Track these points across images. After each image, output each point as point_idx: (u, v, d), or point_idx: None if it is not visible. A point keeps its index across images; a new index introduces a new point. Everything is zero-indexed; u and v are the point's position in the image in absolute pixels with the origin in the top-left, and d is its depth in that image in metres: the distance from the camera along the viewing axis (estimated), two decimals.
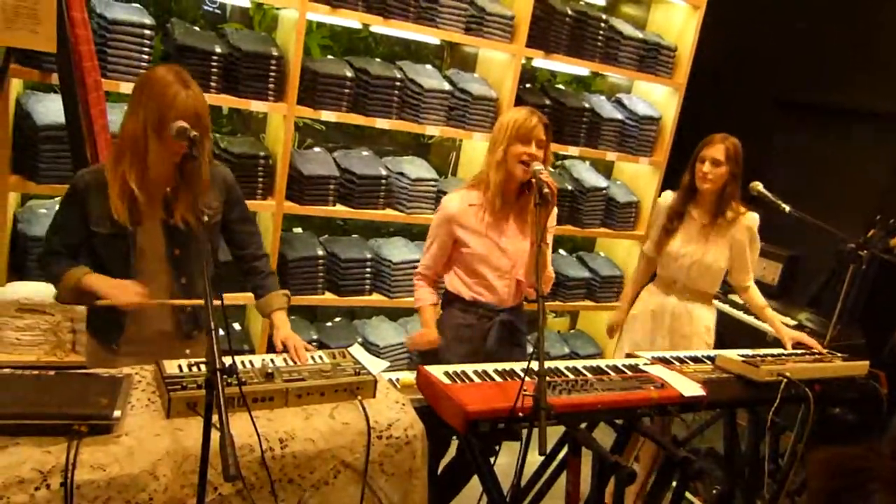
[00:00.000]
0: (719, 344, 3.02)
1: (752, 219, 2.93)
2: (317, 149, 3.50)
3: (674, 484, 2.34)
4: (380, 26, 3.29)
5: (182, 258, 2.01)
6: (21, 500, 1.39)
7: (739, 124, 3.08)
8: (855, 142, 4.48)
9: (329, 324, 3.68)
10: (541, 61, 3.85)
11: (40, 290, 2.76)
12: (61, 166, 2.74)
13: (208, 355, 1.38)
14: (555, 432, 1.98)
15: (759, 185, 2.96)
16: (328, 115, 3.22)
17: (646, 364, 2.42)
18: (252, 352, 3.28)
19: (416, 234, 3.84)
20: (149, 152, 1.88)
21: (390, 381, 2.11)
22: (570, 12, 3.67)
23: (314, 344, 3.44)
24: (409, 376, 2.14)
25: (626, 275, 4.29)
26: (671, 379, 2.26)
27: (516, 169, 2.34)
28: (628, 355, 2.62)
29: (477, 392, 1.92)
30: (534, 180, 2.16)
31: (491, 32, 3.49)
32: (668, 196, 3.04)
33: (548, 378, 1.99)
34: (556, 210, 2.50)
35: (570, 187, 4.03)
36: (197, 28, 3.09)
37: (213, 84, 2.94)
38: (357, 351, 2.12)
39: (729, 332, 3.49)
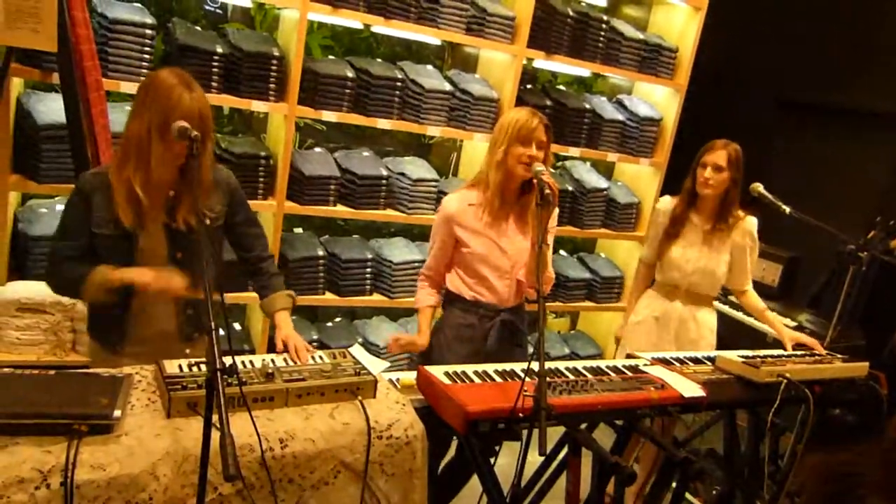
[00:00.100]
0: (720, 345, 3.02)
1: (752, 223, 2.93)
2: (318, 149, 3.50)
3: (674, 484, 2.34)
4: (381, 26, 3.29)
5: (184, 261, 2.01)
6: (21, 500, 1.39)
7: (740, 125, 3.09)
8: (855, 142, 4.48)
9: (329, 324, 3.68)
10: (542, 62, 3.85)
11: (40, 290, 2.76)
12: (62, 166, 2.74)
13: (209, 355, 1.38)
14: (555, 433, 1.98)
15: (759, 187, 2.96)
16: (329, 116, 3.22)
17: (646, 365, 2.42)
18: (252, 352, 3.28)
19: (416, 234, 3.84)
20: (152, 155, 1.89)
21: (390, 381, 2.11)
22: (571, 13, 3.67)
23: (314, 344, 3.44)
24: (409, 376, 2.14)
25: (626, 276, 4.29)
26: (671, 380, 2.26)
27: (517, 169, 2.34)
28: (628, 356, 2.62)
29: (477, 392, 1.92)
30: (535, 181, 2.16)
31: (492, 33, 3.49)
32: (667, 201, 3.03)
33: (548, 378, 1.99)
34: (557, 211, 2.50)
35: (570, 188, 4.03)
36: (198, 28, 3.10)
37: (214, 84, 2.94)
38: (357, 351, 2.12)
39: (729, 334, 3.49)
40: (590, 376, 2.18)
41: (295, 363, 1.97)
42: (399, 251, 3.60)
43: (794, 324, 3.55)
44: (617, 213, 4.16)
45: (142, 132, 1.87)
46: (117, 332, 2.04)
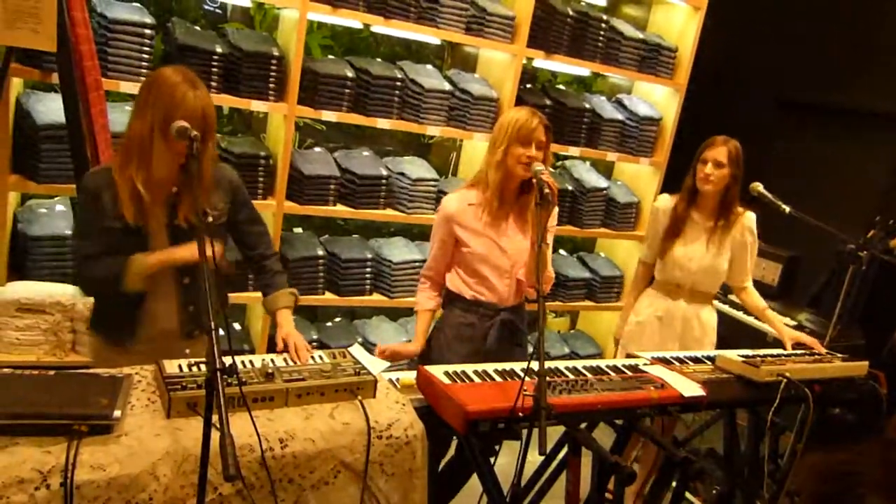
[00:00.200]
0: (720, 345, 3.02)
1: (751, 218, 2.94)
2: (317, 149, 3.50)
3: (674, 484, 2.34)
4: (381, 26, 3.29)
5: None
6: (21, 500, 1.39)
7: (740, 125, 3.08)
8: (855, 142, 4.49)
9: (329, 324, 3.68)
10: (541, 62, 3.85)
11: (40, 290, 2.76)
12: (61, 166, 2.74)
13: (208, 355, 1.38)
14: (555, 432, 1.98)
15: (759, 186, 2.96)
16: (329, 115, 3.22)
17: (646, 364, 2.42)
18: (252, 352, 3.28)
19: (416, 234, 3.84)
20: (154, 153, 1.89)
21: (390, 381, 2.11)
22: (570, 13, 3.67)
23: (314, 344, 3.44)
24: (409, 376, 2.14)
25: (626, 275, 4.29)
26: (671, 379, 2.26)
27: (516, 169, 2.34)
28: (628, 356, 2.62)
29: (477, 392, 1.92)
30: (534, 181, 2.16)
31: (492, 33, 3.49)
32: (666, 199, 3.02)
33: (548, 378, 1.99)
34: (556, 210, 2.50)
35: (570, 188, 4.03)
36: (198, 28, 3.09)
37: (213, 84, 2.94)
38: (357, 351, 2.12)
39: (729, 333, 3.49)
40: (589, 376, 2.18)
41: (295, 363, 1.97)
42: (399, 251, 3.60)
43: (793, 323, 3.55)
44: (616, 212, 4.16)
45: (144, 130, 1.88)
46: (128, 329, 2.04)
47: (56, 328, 2.79)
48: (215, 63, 2.94)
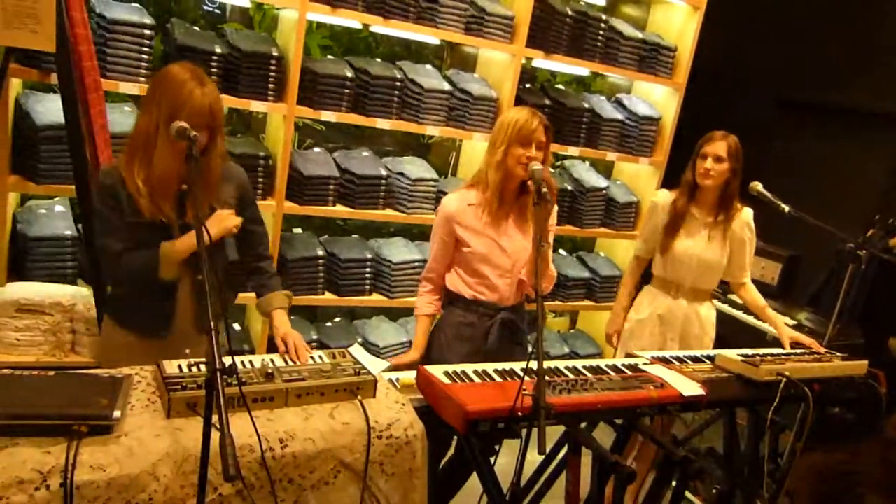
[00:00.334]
0: (720, 344, 3.02)
1: (749, 214, 2.94)
2: (317, 149, 3.50)
3: (673, 483, 2.34)
4: (380, 26, 3.29)
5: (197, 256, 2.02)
6: (21, 501, 1.39)
7: (739, 124, 3.08)
8: (855, 142, 4.49)
9: (329, 324, 3.68)
10: (541, 61, 3.85)
11: (39, 291, 2.76)
12: (61, 166, 2.74)
13: (208, 355, 1.38)
14: (555, 432, 1.98)
15: (758, 185, 2.96)
16: (328, 116, 3.22)
17: (645, 364, 2.42)
18: (252, 352, 3.28)
19: (416, 234, 3.84)
20: (157, 149, 1.89)
21: (390, 381, 2.11)
22: (570, 12, 3.67)
23: (314, 344, 3.44)
24: (409, 376, 2.14)
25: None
26: (671, 378, 2.26)
27: (516, 169, 2.34)
28: (628, 355, 2.62)
29: (477, 392, 1.92)
30: (529, 182, 2.16)
31: (491, 32, 3.49)
32: (665, 195, 3.00)
33: (548, 378, 2.00)
34: (556, 209, 2.50)
35: (569, 187, 4.03)
36: (197, 28, 3.09)
37: None
38: (357, 351, 2.12)
39: (729, 332, 3.49)
40: (589, 375, 2.18)
41: (294, 363, 1.97)
42: (398, 251, 3.60)
43: (793, 322, 3.55)
44: (616, 212, 4.16)
45: (149, 127, 1.89)
46: (163, 320, 2.06)
47: (55, 329, 2.79)
48: (214, 63, 2.94)
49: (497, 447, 2.19)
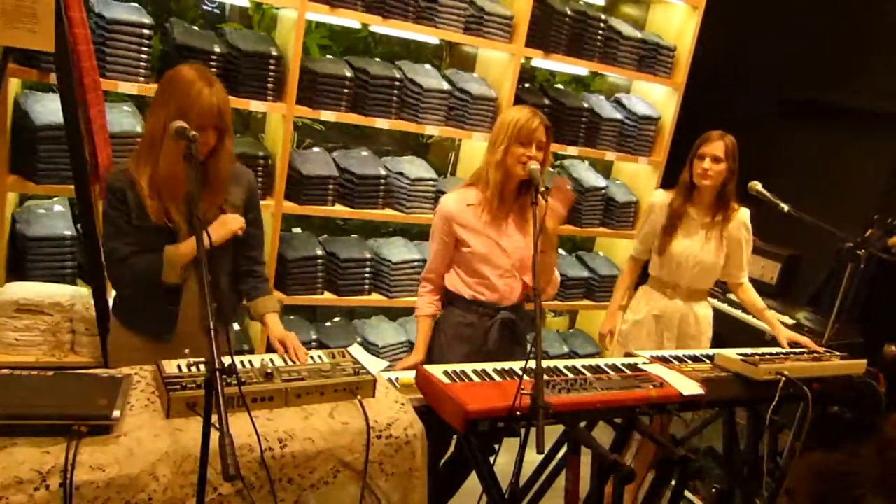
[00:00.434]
0: (718, 343, 3.02)
1: (745, 214, 2.94)
2: (316, 149, 3.50)
3: (673, 483, 2.34)
4: (379, 26, 3.29)
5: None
6: (20, 501, 1.39)
7: (738, 124, 3.08)
8: (855, 141, 4.48)
9: (328, 324, 3.68)
10: (540, 61, 3.85)
11: (39, 291, 2.76)
12: (60, 166, 2.74)
13: (208, 355, 1.38)
14: (554, 431, 1.98)
15: (757, 185, 2.96)
16: (327, 115, 3.22)
17: (644, 363, 2.42)
18: (252, 352, 3.28)
19: (415, 234, 3.84)
20: (162, 150, 1.90)
21: (390, 380, 2.11)
22: (569, 12, 3.67)
23: (313, 344, 3.44)
24: (408, 376, 2.14)
25: None
26: (670, 378, 2.26)
27: (516, 169, 2.34)
28: (627, 355, 2.62)
29: (476, 391, 1.92)
30: (534, 191, 2.14)
31: (490, 32, 3.48)
32: (662, 195, 3.01)
33: (547, 377, 2.00)
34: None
35: (569, 187, 4.02)
36: (196, 28, 3.09)
37: None
38: (356, 351, 2.12)
39: (728, 331, 3.49)
40: (589, 375, 2.18)
41: (294, 363, 1.97)
42: (398, 250, 3.60)
43: (792, 322, 3.55)
44: (615, 211, 4.16)
45: (156, 128, 1.89)
46: (169, 323, 2.06)
47: (55, 329, 2.78)
48: (213, 63, 2.94)
49: (496, 446, 2.19)
